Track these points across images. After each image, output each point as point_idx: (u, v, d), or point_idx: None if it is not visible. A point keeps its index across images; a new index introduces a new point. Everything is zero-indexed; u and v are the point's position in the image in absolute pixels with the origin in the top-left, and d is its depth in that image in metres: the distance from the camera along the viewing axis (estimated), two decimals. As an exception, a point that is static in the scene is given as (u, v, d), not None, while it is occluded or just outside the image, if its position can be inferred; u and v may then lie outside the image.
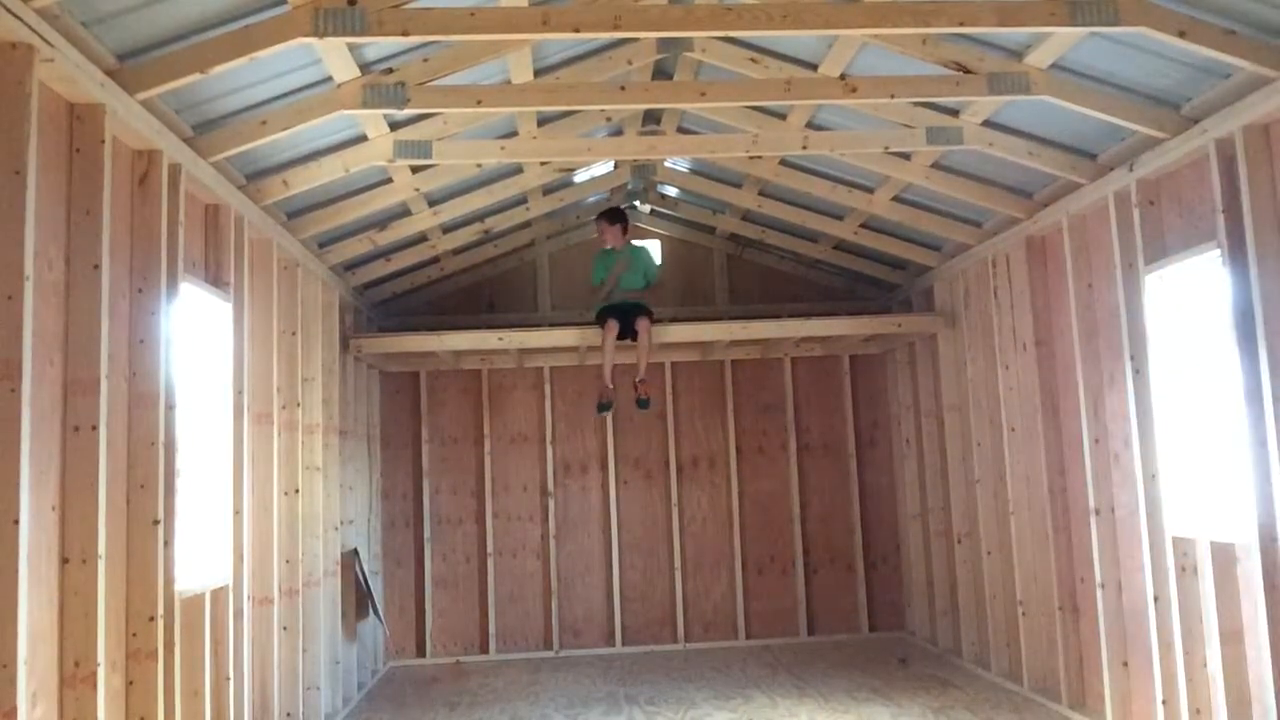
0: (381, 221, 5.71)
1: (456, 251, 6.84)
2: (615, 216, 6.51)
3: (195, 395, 3.96)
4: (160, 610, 3.33)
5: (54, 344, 2.94)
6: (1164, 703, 4.20)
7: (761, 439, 7.49)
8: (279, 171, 4.55)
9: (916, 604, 7.12)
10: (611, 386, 6.28)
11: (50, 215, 2.93)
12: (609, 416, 7.28)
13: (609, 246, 6.50)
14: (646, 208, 7.48)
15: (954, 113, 4.62)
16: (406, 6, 3.41)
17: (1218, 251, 3.81)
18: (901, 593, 7.38)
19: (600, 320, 6.32)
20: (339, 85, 3.96)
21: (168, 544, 3.41)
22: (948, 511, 6.53)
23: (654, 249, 7.44)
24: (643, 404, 6.39)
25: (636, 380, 6.32)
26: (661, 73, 5.14)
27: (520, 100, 4.42)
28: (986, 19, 3.51)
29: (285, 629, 4.75)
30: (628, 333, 6.23)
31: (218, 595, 4.00)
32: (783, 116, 5.05)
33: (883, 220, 6.17)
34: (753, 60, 4.57)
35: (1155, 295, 4.33)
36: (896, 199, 5.79)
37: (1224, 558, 3.92)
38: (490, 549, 7.22)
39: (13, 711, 2.51)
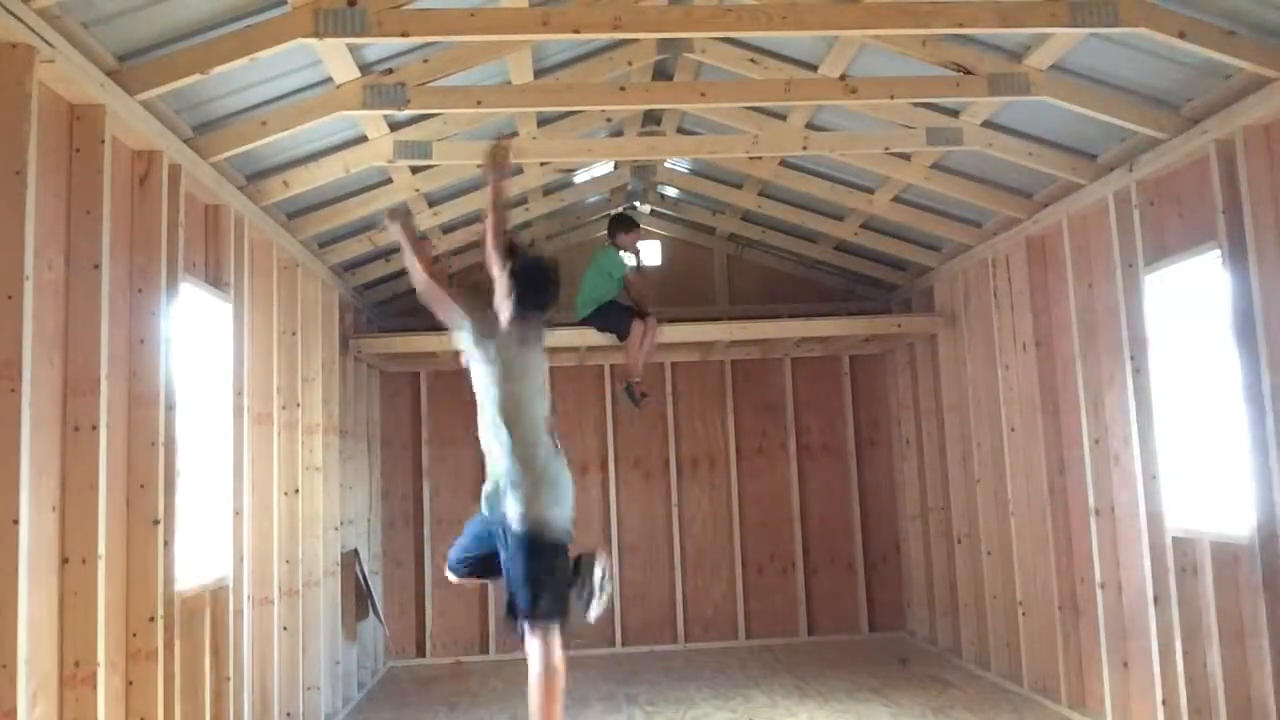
0: (382, 222, 5.71)
1: (456, 252, 6.84)
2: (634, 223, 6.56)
3: (195, 395, 3.96)
4: (160, 610, 3.33)
5: (54, 344, 2.94)
6: (1164, 703, 4.20)
7: (761, 439, 7.49)
8: (279, 172, 4.55)
9: (916, 604, 7.12)
10: (639, 379, 6.26)
11: (50, 215, 2.93)
12: (609, 416, 7.31)
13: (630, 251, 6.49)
14: (646, 208, 7.48)
15: (954, 113, 4.62)
16: (406, 7, 3.41)
17: (1218, 252, 3.82)
18: (901, 593, 7.38)
19: (612, 323, 6.31)
20: (339, 86, 3.96)
21: (168, 544, 3.41)
22: (948, 511, 6.53)
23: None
24: (631, 399, 6.34)
25: (634, 379, 6.27)
26: (661, 73, 5.14)
27: (520, 101, 4.43)
28: (986, 20, 3.52)
29: (285, 629, 4.75)
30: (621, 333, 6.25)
31: (218, 595, 4.00)
32: (783, 117, 5.05)
33: (883, 221, 6.17)
34: (753, 61, 4.57)
35: (1155, 295, 4.33)
36: (896, 199, 5.79)
37: (1224, 557, 3.92)
38: (490, 549, 7.21)
39: (12, 711, 2.51)
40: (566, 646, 3.55)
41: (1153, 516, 4.26)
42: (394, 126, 4.59)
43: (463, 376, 7.25)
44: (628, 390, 6.22)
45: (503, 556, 3.62)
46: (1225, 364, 3.79)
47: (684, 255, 7.70)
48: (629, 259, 6.36)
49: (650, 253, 7.66)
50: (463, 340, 3.73)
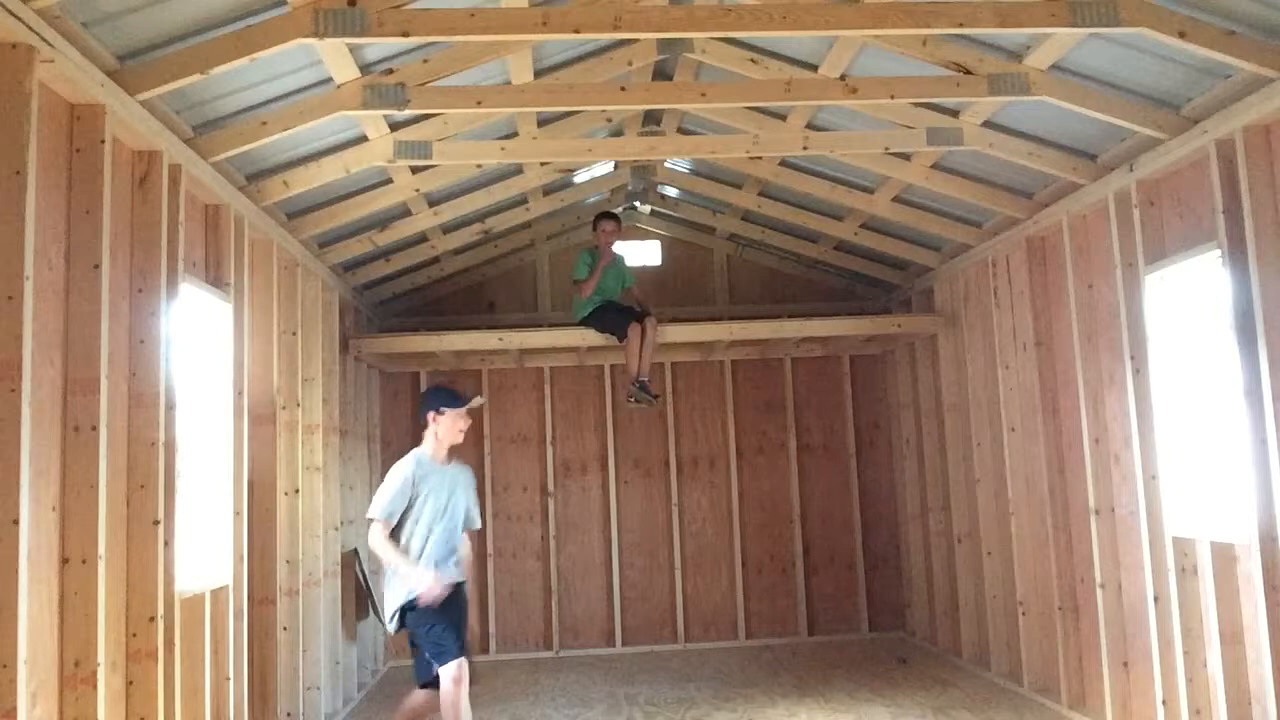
0: (382, 222, 5.72)
1: (457, 252, 6.85)
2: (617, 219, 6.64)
3: (195, 395, 3.96)
4: (160, 610, 3.33)
5: (54, 344, 2.94)
6: (1164, 703, 4.20)
7: (761, 439, 7.50)
8: (279, 172, 4.55)
9: (916, 604, 7.12)
10: (649, 378, 6.24)
11: (50, 215, 2.93)
12: (609, 416, 7.32)
13: (611, 248, 6.53)
14: (647, 208, 7.48)
15: (954, 113, 4.62)
16: (406, 7, 3.41)
17: (1218, 251, 3.82)
18: (901, 593, 7.38)
19: (609, 325, 6.33)
20: (339, 86, 3.96)
21: (168, 544, 3.42)
22: (948, 511, 6.53)
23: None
24: (647, 396, 6.30)
25: (643, 378, 6.24)
26: (662, 73, 5.14)
27: (520, 101, 4.43)
28: (986, 20, 3.52)
29: (285, 629, 4.75)
30: (621, 334, 6.26)
31: (218, 595, 4.00)
32: (783, 117, 5.05)
33: (883, 221, 6.17)
34: (753, 61, 4.58)
35: (1155, 295, 4.33)
36: (897, 199, 5.79)
37: (1224, 558, 3.92)
38: (490, 549, 7.22)
39: (13, 711, 2.51)
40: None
41: (1152, 516, 4.26)
42: (394, 126, 4.59)
43: (463, 376, 7.30)
44: (642, 388, 6.19)
45: (447, 618, 4.04)
46: (1225, 364, 3.79)
47: (684, 255, 7.70)
48: (582, 267, 6.40)
49: (646, 252, 7.68)
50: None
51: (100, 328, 3.04)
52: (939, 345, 6.58)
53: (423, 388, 7.27)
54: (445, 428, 4.25)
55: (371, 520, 4.07)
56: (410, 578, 3.96)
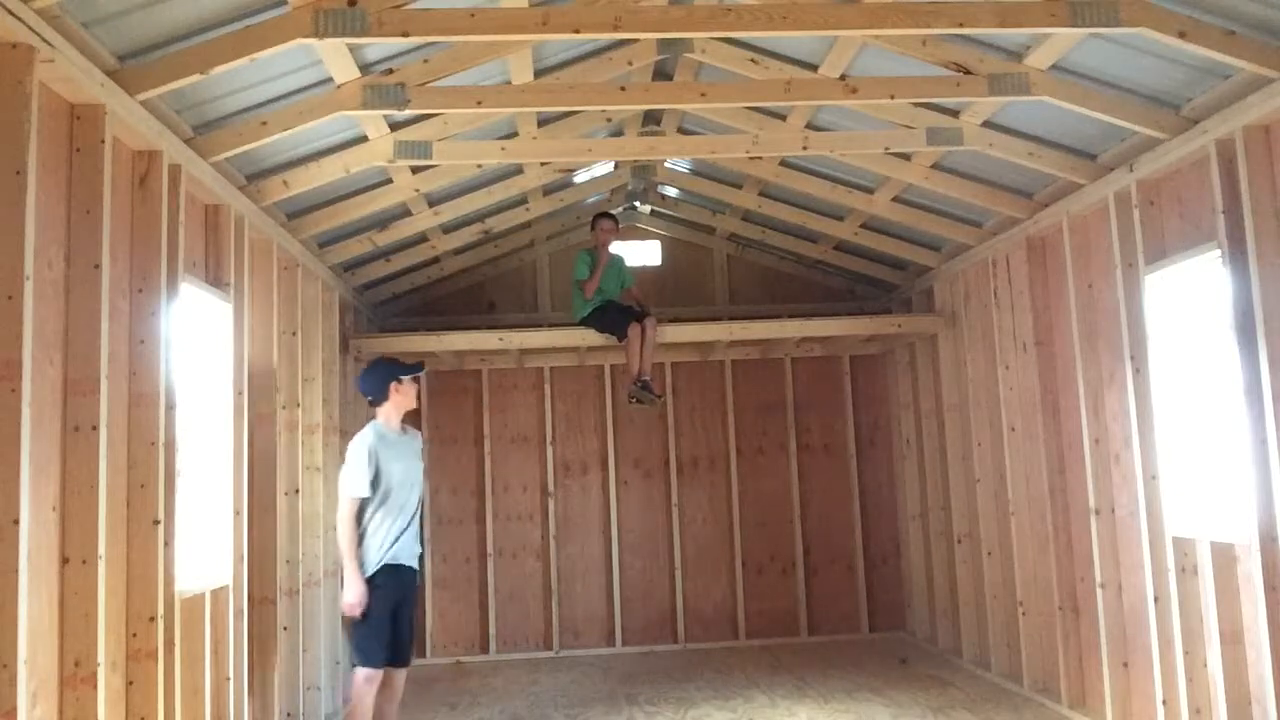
0: (382, 222, 5.72)
1: (457, 252, 6.85)
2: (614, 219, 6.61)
3: (195, 395, 3.96)
4: (160, 610, 3.33)
5: (54, 344, 2.94)
6: (1164, 703, 4.20)
7: (761, 439, 7.49)
8: (279, 172, 4.55)
9: (916, 604, 7.12)
10: (650, 377, 6.23)
11: (50, 215, 2.93)
12: (609, 416, 7.32)
13: (609, 247, 6.52)
14: (647, 208, 7.48)
15: (954, 113, 4.62)
16: (406, 7, 3.41)
17: (1218, 251, 3.82)
18: (901, 593, 7.38)
19: (609, 325, 6.32)
20: (339, 86, 3.96)
21: (168, 544, 3.42)
22: (948, 511, 6.53)
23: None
24: (650, 395, 6.27)
25: (645, 377, 6.22)
26: (661, 73, 5.14)
27: (520, 101, 4.43)
28: (986, 20, 3.52)
29: (285, 629, 4.75)
30: (621, 334, 6.24)
31: (218, 595, 4.00)
32: (783, 117, 5.05)
33: (883, 221, 6.17)
34: (753, 61, 4.58)
35: (1155, 295, 4.33)
36: (897, 199, 5.79)
37: (1224, 558, 3.92)
38: (490, 549, 7.22)
39: (13, 711, 2.51)
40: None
41: (1152, 516, 4.26)
42: (394, 126, 4.59)
43: (463, 376, 7.30)
44: (643, 387, 6.17)
45: (383, 620, 4.20)
46: (1225, 364, 3.79)
47: (684, 255, 7.70)
48: (584, 268, 6.38)
49: (646, 252, 7.68)
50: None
51: (100, 328, 3.04)
52: (939, 345, 6.59)
53: (422, 388, 7.25)
54: (406, 396, 4.38)
55: (347, 498, 4.13)
56: (351, 583, 4.06)
